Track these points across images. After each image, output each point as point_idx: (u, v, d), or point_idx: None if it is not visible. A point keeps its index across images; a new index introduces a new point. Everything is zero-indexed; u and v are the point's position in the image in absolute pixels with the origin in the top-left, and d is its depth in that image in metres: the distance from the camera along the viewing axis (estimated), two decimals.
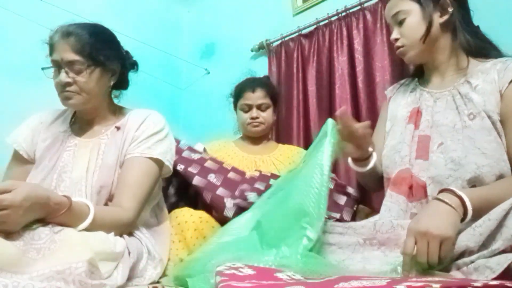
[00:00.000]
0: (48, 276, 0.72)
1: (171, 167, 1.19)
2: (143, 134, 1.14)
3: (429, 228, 0.80)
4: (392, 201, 1.06)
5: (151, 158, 1.12)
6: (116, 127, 1.17)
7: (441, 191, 0.90)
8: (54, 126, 1.21)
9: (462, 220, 0.84)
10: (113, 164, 1.11)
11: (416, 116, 1.15)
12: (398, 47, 1.16)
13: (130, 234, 1.07)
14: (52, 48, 1.11)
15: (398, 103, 1.25)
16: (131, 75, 1.38)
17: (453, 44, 1.12)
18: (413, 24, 1.11)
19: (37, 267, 0.73)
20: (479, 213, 0.83)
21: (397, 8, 1.13)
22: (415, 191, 1.04)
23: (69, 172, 1.10)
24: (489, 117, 1.00)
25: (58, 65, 1.10)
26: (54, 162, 1.13)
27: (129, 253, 0.95)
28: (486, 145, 0.98)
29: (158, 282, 1.07)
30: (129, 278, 0.94)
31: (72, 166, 1.12)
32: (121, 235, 1.00)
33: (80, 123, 1.21)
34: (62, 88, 1.10)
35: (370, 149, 1.16)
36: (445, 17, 1.10)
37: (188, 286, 0.85)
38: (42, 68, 1.13)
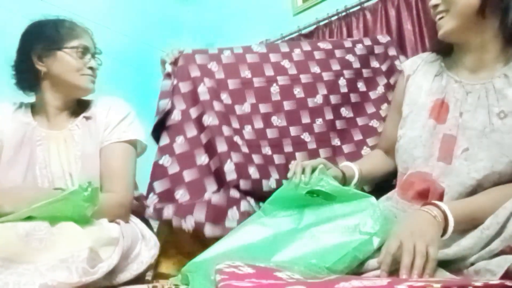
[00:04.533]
0: (53, 265, 0.76)
1: (146, 144, 1.24)
2: (113, 119, 1.18)
3: (415, 230, 0.77)
4: (398, 208, 1.01)
5: (128, 141, 1.16)
6: (85, 117, 1.19)
7: (425, 204, 0.86)
8: (16, 118, 1.18)
9: (443, 234, 0.81)
10: (94, 153, 1.14)
11: (440, 109, 1.00)
12: (439, 15, 0.98)
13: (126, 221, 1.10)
14: (77, 33, 1.18)
15: (419, 86, 1.07)
16: (131, 75, 1.39)
17: (500, 28, 0.93)
18: None
19: (41, 257, 0.77)
20: (460, 228, 0.81)
21: None
22: (432, 197, 0.94)
23: (48, 167, 1.11)
24: None
25: (86, 50, 1.18)
26: (28, 157, 1.11)
27: (123, 237, 0.98)
28: None
29: (158, 281, 1.07)
30: (126, 264, 0.96)
31: (49, 160, 1.12)
32: (119, 221, 1.04)
33: (45, 114, 1.19)
34: (91, 72, 1.18)
35: (356, 168, 1.11)
36: None
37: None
38: (64, 47, 1.15)
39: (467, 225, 0.82)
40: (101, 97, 1.25)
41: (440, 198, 0.92)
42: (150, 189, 1.21)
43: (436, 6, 0.97)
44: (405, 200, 1.00)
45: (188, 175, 1.20)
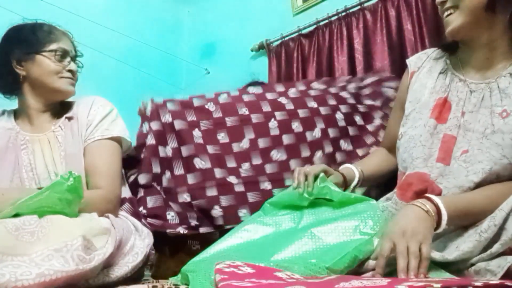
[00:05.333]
0: (48, 254, 0.76)
1: (130, 141, 1.25)
2: (95, 118, 1.19)
3: (407, 229, 0.76)
4: (397, 208, 1.00)
5: (112, 138, 1.18)
6: (67, 117, 1.20)
7: (418, 197, 0.86)
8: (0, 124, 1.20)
9: (436, 228, 0.80)
10: (78, 153, 1.15)
11: (442, 108, 0.98)
12: (447, 12, 0.94)
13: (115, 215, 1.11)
14: (55, 37, 1.18)
15: (423, 84, 1.05)
16: (132, 75, 1.40)
17: (509, 24, 0.91)
18: None
19: (34, 249, 0.77)
20: (454, 223, 0.80)
21: None
22: None
23: (34, 169, 1.12)
24: None
25: (65, 54, 1.18)
26: (13, 161, 1.12)
27: (114, 228, 0.98)
28: None
29: (158, 281, 1.07)
30: (122, 257, 0.96)
31: (34, 162, 1.13)
32: (108, 215, 1.05)
33: (27, 118, 1.20)
34: (71, 74, 1.19)
35: (356, 170, 1.11)
36: None
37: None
38: (42, 51, 1.15)
39: (460, 221, 0.82)
40: (81, 97, 1.26)
41: None
42: (142, 201, 1.25)
43: (444, 2, 0.94)
44: (403, 201, 0.98)
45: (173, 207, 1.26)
